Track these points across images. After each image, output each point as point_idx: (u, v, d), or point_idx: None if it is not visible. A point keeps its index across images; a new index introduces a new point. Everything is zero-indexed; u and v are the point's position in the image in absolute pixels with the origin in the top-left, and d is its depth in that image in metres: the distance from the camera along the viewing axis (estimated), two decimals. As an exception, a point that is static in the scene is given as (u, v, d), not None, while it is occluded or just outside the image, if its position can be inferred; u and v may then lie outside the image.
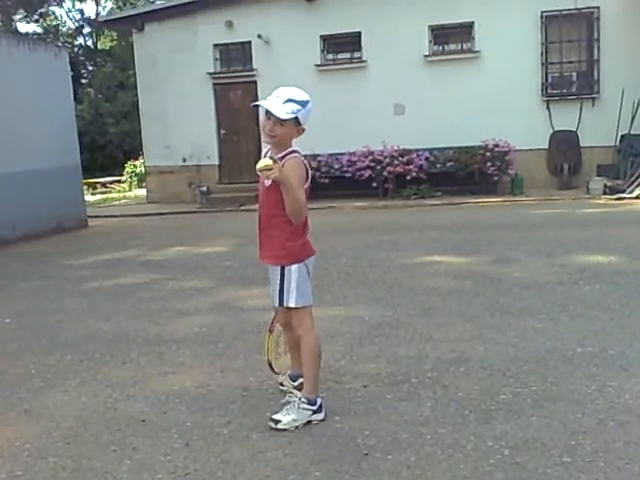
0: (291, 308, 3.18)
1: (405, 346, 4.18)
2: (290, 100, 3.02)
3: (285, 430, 3.06)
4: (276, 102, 3.02)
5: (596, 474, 2.52)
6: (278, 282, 3.17)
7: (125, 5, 32.01)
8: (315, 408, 3.14)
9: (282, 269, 3.17)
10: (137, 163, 21.06)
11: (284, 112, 2.99)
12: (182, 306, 5.63)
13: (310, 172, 3.22)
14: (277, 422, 3.10)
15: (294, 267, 3.15)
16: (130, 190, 21.02)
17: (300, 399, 3.14)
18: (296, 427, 3.08)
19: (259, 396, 3.51)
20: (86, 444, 3.09)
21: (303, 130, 3.12)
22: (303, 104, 3.05)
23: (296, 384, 3.40)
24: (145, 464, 2.85)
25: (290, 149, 3.12)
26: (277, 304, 3.23)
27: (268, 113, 3.03)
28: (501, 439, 2.84)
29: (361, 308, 5.19)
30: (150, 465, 2.84)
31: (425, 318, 4.80)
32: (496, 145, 13.26)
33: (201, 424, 3.20)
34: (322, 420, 3.14)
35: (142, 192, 18.34)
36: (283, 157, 3.08)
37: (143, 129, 16.41)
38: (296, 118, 3.03)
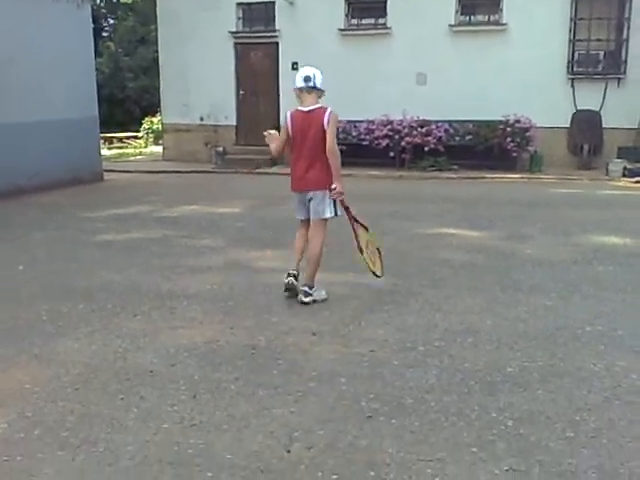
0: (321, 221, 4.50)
1: (414, 315, 4.19)
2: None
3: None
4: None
5: (598, 450, 2.54)
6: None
7: (149, -42, 31.51)
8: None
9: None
10: (154, 120, 20.95)
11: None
12: (194, 263, 5.66)
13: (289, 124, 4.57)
14: (305, 301, 4.39)
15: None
16: (146, 146, 20.97)
17: (308, 286, 4.42)
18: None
19: (267, 355, 3.54)
20: (94, 391, 3.15)
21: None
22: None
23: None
24: (152, 413, 2.90)
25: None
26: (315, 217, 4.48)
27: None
28: (505, 410, 2.86)
29: (371, 276, 5.17)
30: (157, 414, 2.89)
31: (436, 289, 4.80)
32: (517, 121, 13.06)
33: (209, 378, 3.25)
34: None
35: (158, 149, 18.30)
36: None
37: (162, 86, 16.29)
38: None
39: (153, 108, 22.58)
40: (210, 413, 2.89)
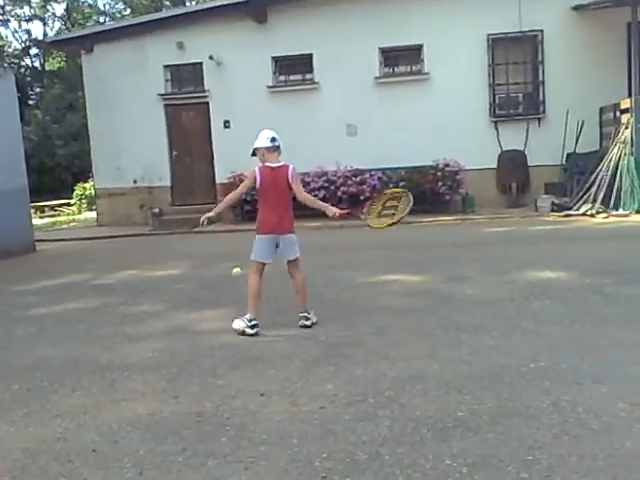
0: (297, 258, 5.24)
1: (362, 366, 4.16)
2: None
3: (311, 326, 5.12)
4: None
5: (553, 489, 2.53)
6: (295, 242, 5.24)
7: (73, 26, 31.65)
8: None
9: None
10: (87, 185, 20.70)
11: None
12: (134, 331, 5.50)
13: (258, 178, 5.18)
14: (306, 325, 5.16)
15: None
16: (80, 213, 20.61)
17: (307, 311, 5.21)
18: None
19: (214, 422, 3.43)
20: (34, 477, 2.97)
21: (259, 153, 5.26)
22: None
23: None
24: (96, 496, 2.75)
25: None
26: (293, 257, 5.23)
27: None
28: (459, 457, 2.84)
29: (317, 328, 5.16)
30: (101, 497, 2.74)
31: (381, 337, 4.80)
32: (447, 165, 13.50)
33: (154, 452, 3.11)
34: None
35: (92, 215, 18.01)
36: None
37: (93, 150, 16.14)
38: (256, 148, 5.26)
39: (85, 174, 22.32)
40: (158, 490, 2.76)
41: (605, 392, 3.45)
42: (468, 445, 2.95)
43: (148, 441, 3.24)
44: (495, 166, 14.34)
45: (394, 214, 5.60)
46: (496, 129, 14.41)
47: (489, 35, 14.12)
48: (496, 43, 14.22)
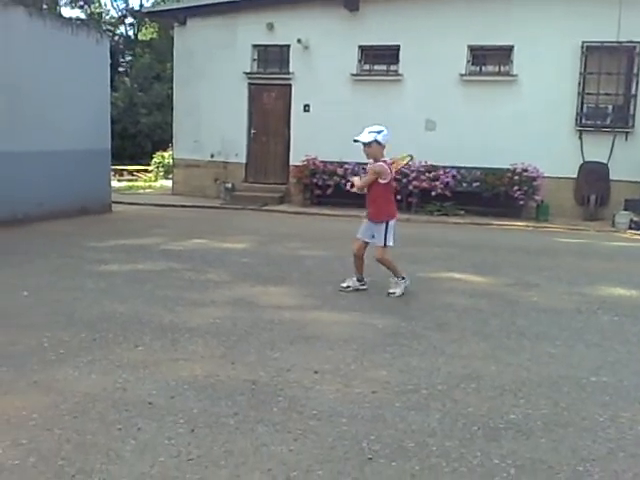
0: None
1: (417, 357, 4.15)
2: (371, 132, 5.79)
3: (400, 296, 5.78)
4: (363, 134, 5.80)
5: (602, 502, 2.48)
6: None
7: (169, -1, 32.36)
8: (405, 281, 5.99)
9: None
10: (165, 154, 21.21)
11: (366, 138, 5.78)
12: (198, 297, 5.65)
13: (390, 172, 5.92)
14: (393, 293, 5.84)
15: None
16: (156, 180, 21.17)
17: (398, 278, 5.95)
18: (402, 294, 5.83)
19: (268, 391, 3.50)
20: (92, 420, 3.11)
21: (384, 147, 5.84)
22: (379, 132, 5.78)
23: (361, 283, 6.09)
24: (149, 445, 2.86)
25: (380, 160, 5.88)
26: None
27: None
28: (508, 458, 2.81)
29: (376, 316, 5.17)
30: (154, 447, 2.85)
31: (440, 333, 4.77)
32: (525, 170, 13.17)
33: (208, 412, 3.21)
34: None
35: (168, 183, 18.48)
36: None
37: (175, 121, 16.54)
38: (375, 140, 5.76)
39: (164, 143, 22.89)
40: (208, 448, 2.85)
41: (668, 415, 3.33)
42: (519, 447, 2.91)
43: (202, 401, 3.34)
44: (575, 176, 13.89)
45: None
46: (580, 139, 13.93)
47: (584, 42, 13.61)
48: (590, 51, 13.70)
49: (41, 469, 2.64)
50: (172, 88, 16.92)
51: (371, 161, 5.93)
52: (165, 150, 21.53)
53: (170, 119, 17.30)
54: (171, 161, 17.83)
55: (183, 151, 16.36)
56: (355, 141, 5.85)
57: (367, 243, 6.00)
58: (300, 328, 4.74)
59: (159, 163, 21.87)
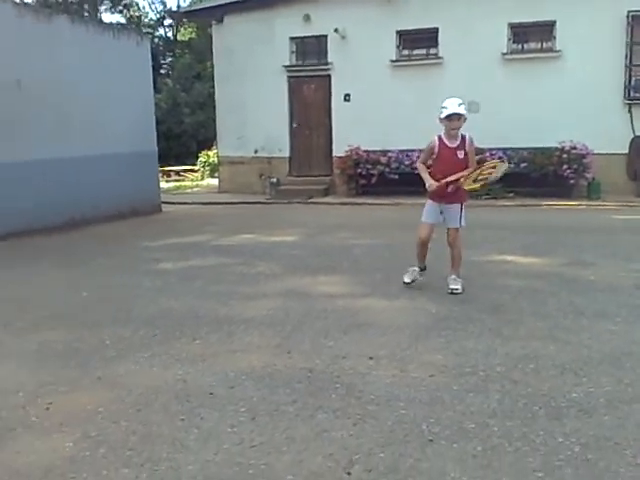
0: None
1: (473, 340, 4.12)
2: (460, 103, 5.27)
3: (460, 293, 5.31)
4: (460, 108, 5.24)
5: (673, 477, 2.42)
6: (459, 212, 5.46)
7: (206, -2, 32.69)
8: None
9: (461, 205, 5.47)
10: (210, 153, 21.48)
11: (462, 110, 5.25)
12: (250, 290, 5.73)
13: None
14: (456, 289, 5.32)
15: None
16: (202, 179, 21.48)
17: (456, 276, 5.46)
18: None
19: (324, 378, 3.53)
20: (156, 412, 3.19)
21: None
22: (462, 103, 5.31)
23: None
24: (212, 434, 2.92)
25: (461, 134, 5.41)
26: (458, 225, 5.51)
27: (459, 115, 5.23)
28: (571, 436, 2.77)
29: (428, 301, 5.14)
30: (217, 435, 2.91)
31: (495, 315, 4.71)
32: (573, 147, 12.85)
33: (267, 400, 3.26)
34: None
35: (214, 181, 18.71)
36: (463, 139, 5.42)
37: (218, 119, 16.72)
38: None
39: (209, 142, 23.17)
40: (269, 435, 2.90)
41: None
42: (582, 425, 2.86)
43: (261, 390, 3.39)
44: (626, 152, 13.48)
45: (487, 179, 5.36)
46: (629, 112, 13.49)
47: (629, 12, 13.17)
48: (636, 20, 13.23)
49: (111, 459, 2.73)
50: (213, 87, 17.11)
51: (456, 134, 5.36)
52: (210, 149, 21.80)
53: (213, 117, 17.51)
54: (216, 159, 18.05)
55: (227, 148, 16.53)
56: (448, 115, 5.20)
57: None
58: (352, 316, 4.75)
59: (205, 162, 22.17)
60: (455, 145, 5.38)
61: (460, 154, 5.35)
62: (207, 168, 21.86)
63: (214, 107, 17.00)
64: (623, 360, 3.66)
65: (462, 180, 5.26)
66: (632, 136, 13.46)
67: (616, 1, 13.10)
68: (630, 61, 13.40)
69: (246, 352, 4.02)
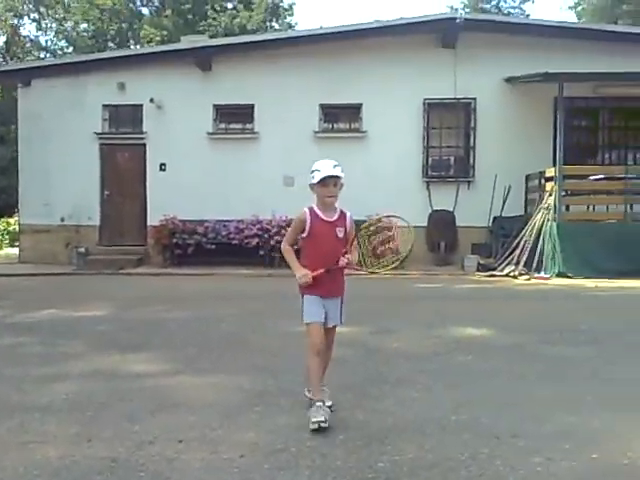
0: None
1: (286, 415, 4.10)
2: (335, 165, 4.14)
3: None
4: (336, 170, 4.12)
5: (468, 541, 2.53)
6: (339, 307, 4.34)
7: (12, 59, 31.07)
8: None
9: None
10: (11, 220, 19.98)
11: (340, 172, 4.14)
12: (49, 371, 5.26)
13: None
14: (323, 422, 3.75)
15: None
16: (0, 249, 19.81)
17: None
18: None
19: (128, 467, 3.29)
20: None
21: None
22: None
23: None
24: None
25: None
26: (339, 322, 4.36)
27: (335, 178, 4.14)
28: (377, 508, 2.82)
29: (241, 376, 5.07)
30: None
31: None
32: (379, 220, 13.78)
33: (61, 498, 2.95)
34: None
35: (14, 251, 17.32)
36: (342, 214, 4.28)
37: (21, 185, 15.67)
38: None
39: (10, 209, 21.56)
40: (61, 538, 2.60)
41: (522, 446, 3.51)
42: (387, 496, 2.93)
43: (55, 486, 3.07)
44: (425, 224, 14.74)
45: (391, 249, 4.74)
46: (428, 189, 14.87)
47: (425, 100, 14.70)
48: (432, 107, 14.80)
49: None
50: (17, 151, 16.07)
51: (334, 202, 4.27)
52: (11, 216, 20.27)
53: (16, 183, 16.36)
54: (17, 227, 16.77)
55: (31, 216, 15.48)
56: (322, 179, 4.12)
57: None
58: (161, 395, 4.53)
59: (4, 230, 20.54)
60: (333, 219, 4.16)
61: (340, 232, 4.12)
62: (6, 237, 20.24)
63: (17, 172, 15.92)
64: (424, 426, 3.84)
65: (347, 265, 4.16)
66: (430, 210, 14.78)
67: (414, 89, 14.55)
68: (427, 143, 14.86)
69: (41, 443, 3.64)
